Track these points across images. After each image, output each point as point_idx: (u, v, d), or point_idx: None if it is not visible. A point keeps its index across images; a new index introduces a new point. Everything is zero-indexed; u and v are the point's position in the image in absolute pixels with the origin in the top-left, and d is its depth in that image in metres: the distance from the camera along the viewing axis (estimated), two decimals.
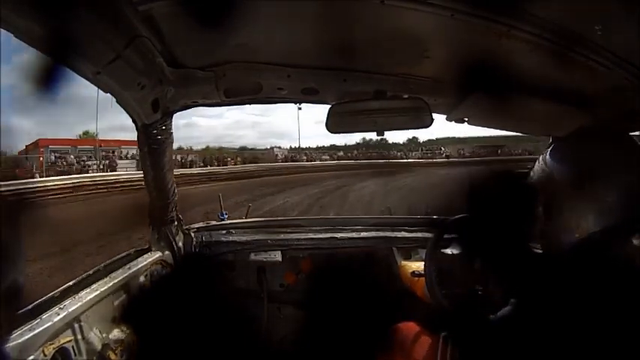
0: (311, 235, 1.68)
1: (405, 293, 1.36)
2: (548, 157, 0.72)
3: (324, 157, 30.33)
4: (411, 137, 37.82)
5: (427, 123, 1.19)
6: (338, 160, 29.22)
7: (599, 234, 0.63)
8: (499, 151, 33.30)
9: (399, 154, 33.37)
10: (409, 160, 30.12)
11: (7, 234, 0.56)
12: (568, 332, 0.58)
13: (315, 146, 33.91)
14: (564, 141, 0.75)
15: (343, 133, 1.27)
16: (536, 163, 0.74)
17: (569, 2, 0.74)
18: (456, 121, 1.37)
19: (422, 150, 35.93)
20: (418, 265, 1.37)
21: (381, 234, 1.68)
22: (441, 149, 35.52)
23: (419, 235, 1.62)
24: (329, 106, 1.20)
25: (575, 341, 0.57)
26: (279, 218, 2.06)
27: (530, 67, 0.96)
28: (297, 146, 32.68)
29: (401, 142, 37.06)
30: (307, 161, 27.76)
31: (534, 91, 1.05)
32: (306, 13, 0.88)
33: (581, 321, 0.58)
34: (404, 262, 1.50)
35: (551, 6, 0.76)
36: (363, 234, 1.68)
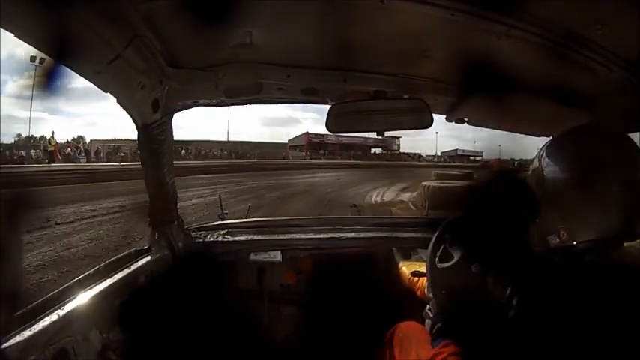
0: (311, 235, 1.68)
1: (404, 293, 1.36)
2: (544, 156, 0.72)
3: None
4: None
5: (427, 123, 1.19)
6: None
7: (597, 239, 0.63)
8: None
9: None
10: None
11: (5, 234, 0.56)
12: (568, 333, 0.58)
13: None
14: (561, 140, 0.75)
15: (343, 132, 1.27)
16: (534, 162, 0.74)
17: (569, 2, 0.74)
18: (456, 121, 1.37)
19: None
20: (419, 265, 1.37)
21: (381, 234, 1.67)
22: (119, 149, 26.58)
23: (419, 235, 1.62)
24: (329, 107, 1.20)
25: (574, 342, 0.57)
26: (279, 218, 2.06)
27: (530, 67, 0.96)
28: None
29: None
30: None
31: (534, 91, 1.05)
32: (306, 12, 0.88)
33: (580, 322, 0.58)
34: (404, 262, 1.50)
35: (551, 6, 0.76)
36: (363, 234, 1.68)
